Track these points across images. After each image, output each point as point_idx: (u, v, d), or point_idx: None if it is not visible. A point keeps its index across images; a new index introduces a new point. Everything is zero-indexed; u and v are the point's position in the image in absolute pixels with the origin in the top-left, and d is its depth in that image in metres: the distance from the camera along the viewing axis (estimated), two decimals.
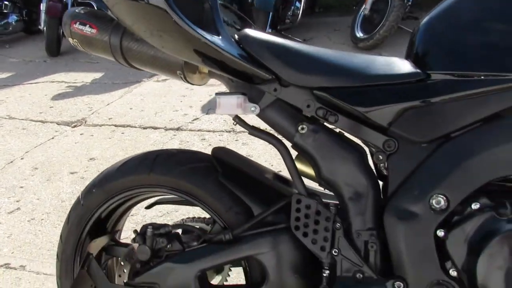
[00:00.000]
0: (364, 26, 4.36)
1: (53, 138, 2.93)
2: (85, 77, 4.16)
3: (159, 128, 2.95)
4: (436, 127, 0.79)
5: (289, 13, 4.70)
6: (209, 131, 2.83)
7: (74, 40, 1.07)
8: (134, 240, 1.03)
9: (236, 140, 2.66)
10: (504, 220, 0.70)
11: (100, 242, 1.06)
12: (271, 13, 4.32)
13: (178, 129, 2.91)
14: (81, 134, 2.95)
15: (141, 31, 0.85)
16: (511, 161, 0.72)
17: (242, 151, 2.46)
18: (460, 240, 0.74)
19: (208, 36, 0.82)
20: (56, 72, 4.40)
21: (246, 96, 0.89)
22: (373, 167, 0.89)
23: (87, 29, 1.04)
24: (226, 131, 2.78)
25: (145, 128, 2.98)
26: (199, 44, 0.81)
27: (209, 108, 3.11)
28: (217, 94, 0.90)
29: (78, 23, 1.05)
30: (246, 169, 1.01)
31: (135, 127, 3.00)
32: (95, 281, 1.01)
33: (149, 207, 1.22)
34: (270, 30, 4.33)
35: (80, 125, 3.10)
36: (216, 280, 1.13)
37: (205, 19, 0.87)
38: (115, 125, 3.04)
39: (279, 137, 0.91)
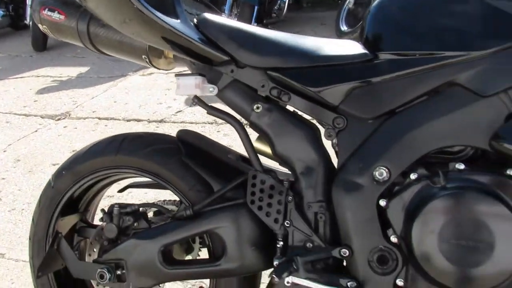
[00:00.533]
0: (348, 20, 4.41)
1: (36, 131, 2.95)
2: (71, 72, 4.17)
3: (142, 120, 2.98)
4: (381, 104, 0.84)
5: (275, 7, 4.73)
6: (191, 123, 2.86)
7: (44, 26, 1.10)
8: (102, 219, 1.07)
9: (217, 132, 2.70)
10: (437, 188, 0.75)
11: (69, 221, 1.10)
12: (256, 7, 4.34)
13: (161, 121, 2.94)
14: (64, 127, 2.97)
15: (110, 20, 0.88)
16: (446, 134, 0.77)
17: (223, 141, 2.49)
18: (399, 208, 0.79)
19: (167, 19, 0.85)
20: (41, 67, 4.40)
21: (205, 77, 0.93)
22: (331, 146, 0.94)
23: (55, 16, 1.08)
24: (209, 123, 2.82)
25: (128, 120, 3.00)
26: (159, 27, 0.85)
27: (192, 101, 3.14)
28: (176, 75, 0.94)
29: (47, 9, 1.08)
30: (209, 149, 1.05)
31: (119, 119, 3.02)
32: (65, 259, 1.05)
33: (121, 190, 1.26)
34: (255, 24, 4.37)
35: (64, 118, 3.12)
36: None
37: (166, 5, 0.90)
38: (99, 118, 3.06)
39: (237, 116, 0.95)
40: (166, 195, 1.84)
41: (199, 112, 2.97)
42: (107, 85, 3.73)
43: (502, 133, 0.72)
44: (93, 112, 3.18)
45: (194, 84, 0.91)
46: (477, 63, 0.75)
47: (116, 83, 3.77)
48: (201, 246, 1.14)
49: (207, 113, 0.95)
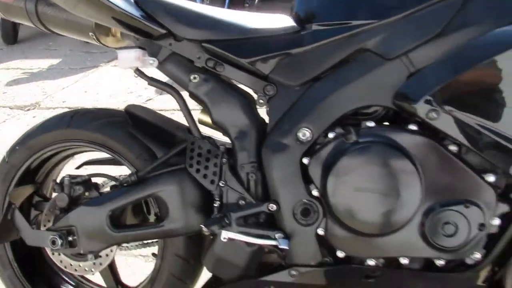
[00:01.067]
0: None
1: (4, 121, 2.94)
2: (42, 64, 4.14)
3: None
4: (306, 71, 0.91)
5: None
6: (161, 110, 2.87)
7: None
8: (54, 190, 1.12)
9: None
10: (349, 144, 0.84)
11: (23, 191, 1.15)
12: None
13: None
14: (33, 117, 2.97)
15: (63, 3, 0.93)
16: (358, 96, 0.85)
17: None
18: (319, 164, 0.87)
19: None
20: (12, 60, 4.35)
21: (146, 50, 0.99)
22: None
23: None
24: (178, 110, 2.83)
25: None
26: (101, 5, 0.90)
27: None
28: (117, 49, 0.99)
29: None
30: (156, 121, 1.11)
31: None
32: (18, 228, 1.10)
33: (78, 167, 1.31)
34: None
35: (33, 109, 3.12)
36: None
37: None
38: (69, 108, 3.07)
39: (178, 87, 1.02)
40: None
41: (170, 100, 3.00)
42: (79, 76, 3.73)
43: (402, 91, 0.81)
44: (63, 102, 3.18)
45: (134, 57, 0.97)
46: (383, 29, 0.83)
47: (87, 74, 3.77)
48: (156, 217, 1.21)
49: (148, 84, 1.01)
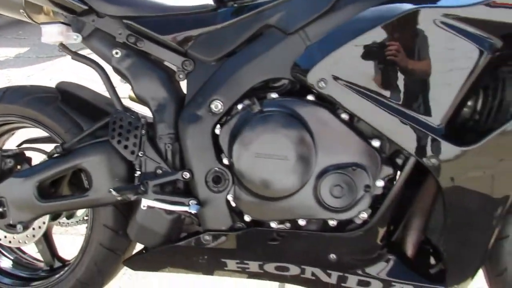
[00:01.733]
0: None
1: None
2: (9, 52, 4.09)
3: None
4: (220, 47, 0.96)
5: None
6: (125, 98, 2.91)
7: None
8: None
9: None
10: (252, 113, 0.89)
11: None
12: None
13: None
14: None
15: None
16: (263, 69, 0.91)
17: None
18: (227, 134, 0.92)
19: None
20: None
21: (70, 26, 1.03)
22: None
23: None
24: None
25: None
26: None
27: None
28: (41, 23, 1.02)
29: None
30: (86, 97, 1.15)
31: None
32: None
33: (19, 145, 1.34)
34: None
35: None
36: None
37: None
38: None
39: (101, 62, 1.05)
40: None
41: None
42: (45, 64, 3.71)
43: (297, 64, 0.87)
44: None
45: (57, 32, 1.01)
46: (284, 6, 0.89)
47: (54, 62, 3.75)
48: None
49: (72, 58, 1.05)
